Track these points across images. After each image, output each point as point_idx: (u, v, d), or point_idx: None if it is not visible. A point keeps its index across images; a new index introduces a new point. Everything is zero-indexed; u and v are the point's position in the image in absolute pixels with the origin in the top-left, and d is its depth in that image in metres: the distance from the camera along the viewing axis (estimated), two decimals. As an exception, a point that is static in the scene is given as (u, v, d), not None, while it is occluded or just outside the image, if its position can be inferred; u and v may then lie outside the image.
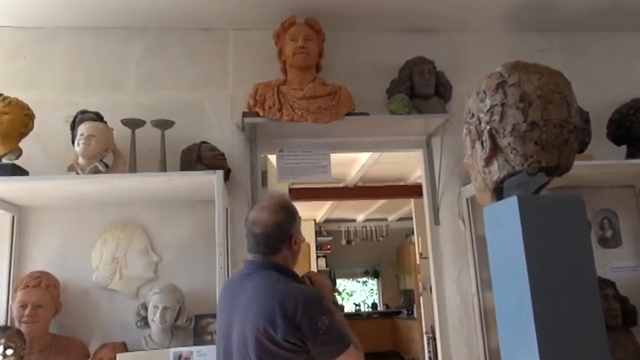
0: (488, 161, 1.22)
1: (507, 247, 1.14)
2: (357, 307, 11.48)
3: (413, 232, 7.81)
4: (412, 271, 8.68)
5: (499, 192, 1.24)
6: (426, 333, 6.49)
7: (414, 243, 7.79)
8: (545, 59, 1.31)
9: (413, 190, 6.13)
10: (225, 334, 1.87)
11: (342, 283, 11.65)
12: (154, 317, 2.55)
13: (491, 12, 3.19)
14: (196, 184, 2.58)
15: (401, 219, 10.40)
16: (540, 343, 1.04)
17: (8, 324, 2.58)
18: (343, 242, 11.22)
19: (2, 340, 2.21)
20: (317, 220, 10.58)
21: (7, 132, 2.51)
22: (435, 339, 3.58)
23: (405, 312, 10.26)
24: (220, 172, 2.50)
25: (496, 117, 1.18)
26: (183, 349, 2.47)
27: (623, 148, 3.02)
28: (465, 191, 3.04)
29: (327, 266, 11.02)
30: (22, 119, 2.56)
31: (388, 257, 11.38)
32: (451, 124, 2.97)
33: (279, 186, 3.28)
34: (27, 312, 2.44)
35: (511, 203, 1.13)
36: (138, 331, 2.62)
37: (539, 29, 3.38)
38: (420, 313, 7.21)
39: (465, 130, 1.29)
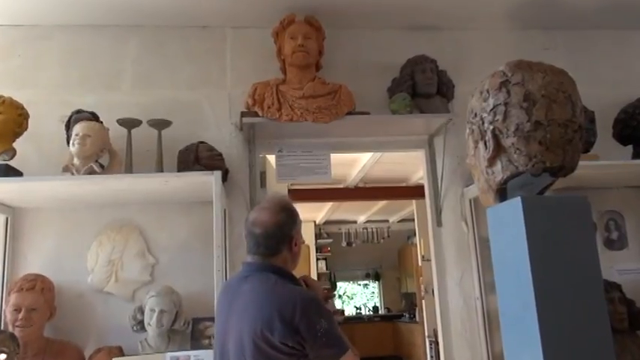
0: (491, 162, 1.21)
1: (511, 249, 1.14)
2: (358, 311, 11.46)
3: (415, 234, 7.82)
4: (414, 274, 8.69)
5: (502, 193, 1.23)
6: (428, 337, 6.50)
7: (415, 245, 7.80)
8: (549, 58, 1.30)
9: (415, 191, 6.13)
10: (222, 338, 1.86)
11: (342, 286, 11.63)
12: (151, 321, 2.53)
13: (495, 9, 3.18)
14: (194, 184, 2.56)
15: (402, 220, 10.38)
16: (545, 348, 1.03)
17: (2, 328, 2.55)
18: (344, 244, 11.19)
19: (-5, 345, 2.19)
20: (317, 222, 10.58)
21: (0, 132, 2.50)
22: (437, 343, 3.58)
23: (407, 315, 10.23)
24: (218, 173, 2.48)
25: (499, 117, 1.17)
26: (181, 354, 2.47)
27: (629, 148, 3.00)
28: (468, 192, 3.02)
29: (327, 269, 11.01)
30: (16, 119, 2.55)
31: (389, 260, 11.34)
32: (454, 123, 2.96)
33: (278, 187, 3.28)
34: (21, 316, 2.42)
35: (515, 204, 1.12)
36: (134, 335, 2.60)
37: (543, 27, 3.36)
38: (422, 316, 7.22)
39: (467, 130, 1.29)
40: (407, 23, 3.23)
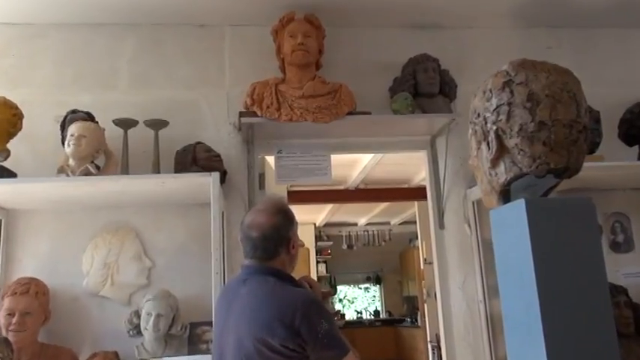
0: (494, 163, 1.21)
1: (515, 252, 1.14)
2: (359, 315, 11.48)
3: (417, 237, 7.79)
4: (416, 277, 8.72)
5: (506, 195, 1.23)
6: (431, 341, 6.48)
7: (417, 248, 7.79)
8: (553, 57, 1.29)
9: (417, 193, 6.17)
10: (221, 341, 1.85)
11: (343, 290, 11.64)
12: (147, 325, 2.52)
13: (498, 7, 3.17)
14: (191, 186, 2.55)
15: (404, 223, 10.38)
16: (549, 352, 1.02)
17: (-5, 332, 2.54)
18: (344, 247, 11.23)
19: (-12, 350, 2.18)
20: (317, 224, 10.59)
21: (-6, 132, 2.50)
22: (439, 348, 3.57)
23: (409, 319, 10.25)
24: (216, 174, 2.47)
25: (503, 117, 1.17)
26: (178, 359, 2.48)
27: (635, 148, 2.99)
28: (471, 194, 3.01)
29: (327, 272, 11.02)
30: (10, 119, 2.54)
31: (391, 263, 11.36)
32: (456, 124, 2.96)
33: (277, 188, 3.28)
34: (15, 320, 2.39)
35: (518, 206, 1.12)
36: (130, 340, 2.59)
37: (547, 25, 3.35)
38: (425, 320, 7.22)
39: (470, 131, 1.29)
40: (409, 21, 3.22)
